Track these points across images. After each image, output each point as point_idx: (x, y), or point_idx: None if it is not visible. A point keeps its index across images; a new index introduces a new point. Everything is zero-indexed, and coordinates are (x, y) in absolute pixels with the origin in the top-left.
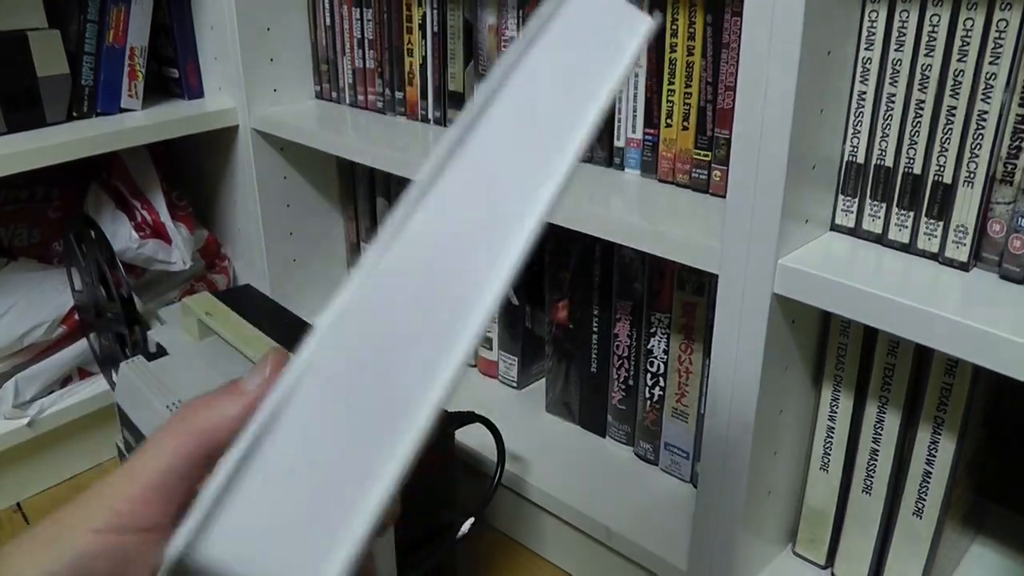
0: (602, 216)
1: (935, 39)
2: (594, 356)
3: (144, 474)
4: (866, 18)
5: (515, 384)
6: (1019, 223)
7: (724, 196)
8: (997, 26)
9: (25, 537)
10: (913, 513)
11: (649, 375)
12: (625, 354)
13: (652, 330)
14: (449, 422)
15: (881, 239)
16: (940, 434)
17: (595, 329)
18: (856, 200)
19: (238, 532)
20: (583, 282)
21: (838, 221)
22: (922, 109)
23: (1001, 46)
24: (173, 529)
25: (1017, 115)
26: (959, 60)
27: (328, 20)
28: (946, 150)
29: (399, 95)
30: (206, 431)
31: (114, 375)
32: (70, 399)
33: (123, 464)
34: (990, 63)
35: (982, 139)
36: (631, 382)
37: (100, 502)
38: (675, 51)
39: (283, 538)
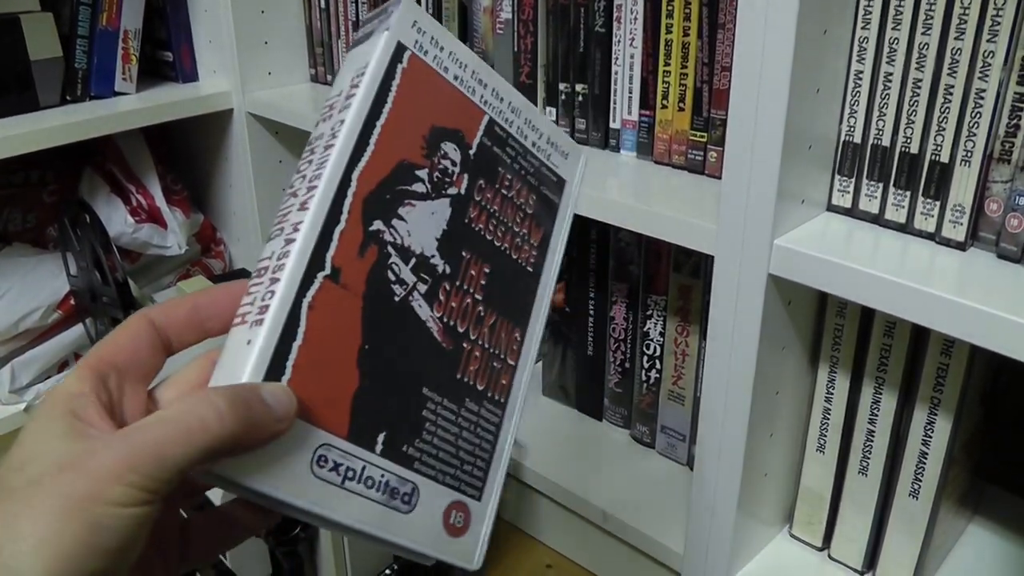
0: (598, 198)
1: (932, 17)
2: (590, 339)
3: (101, 352)
4: None
5: None
6: (1016, 202)
7: (720, 177)
8: (995, 3)
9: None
10: (909, 494)
11: (646, 358)
12: (621, 337)
13: (648, 313)
14: None
15: (878, 219)
16: (936, 414)
17: (591, 312)
18: (853, 180)
19: None
20: (579, 265)
21: (835, 201)
22: (919, 88)
23: (999, 23)
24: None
25: (1015, 93)
26: (956, 38)
27: (323, 3)
28: (943, 129)
29: None
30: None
31: None
32: None
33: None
34: (988, 41)
35: (980, 117)
36: (627, 365)
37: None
38: (671, 31)
39: None
